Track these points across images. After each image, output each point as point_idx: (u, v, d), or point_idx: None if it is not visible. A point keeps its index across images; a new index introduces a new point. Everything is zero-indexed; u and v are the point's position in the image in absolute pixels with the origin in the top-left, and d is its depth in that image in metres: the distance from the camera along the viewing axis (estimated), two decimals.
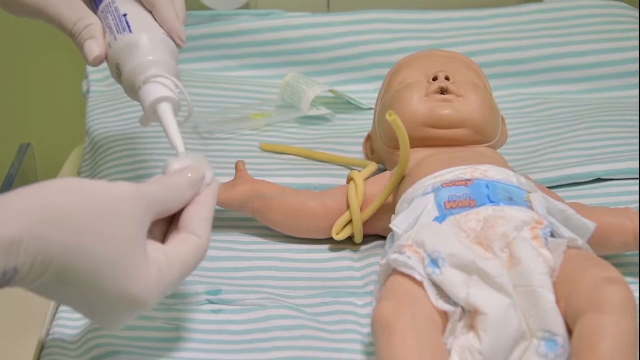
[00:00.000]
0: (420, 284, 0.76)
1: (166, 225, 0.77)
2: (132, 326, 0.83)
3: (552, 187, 1.01)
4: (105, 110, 1.21)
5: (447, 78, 0.98)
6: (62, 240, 0.63)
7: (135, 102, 1.19)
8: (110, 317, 0.70)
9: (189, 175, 0.75)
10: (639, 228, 0.88)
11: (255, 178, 0.98)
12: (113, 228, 0.66)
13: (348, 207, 0.94)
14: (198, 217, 0.74)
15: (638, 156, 1.06)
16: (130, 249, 0.67)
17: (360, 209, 0.93)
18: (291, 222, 0.95)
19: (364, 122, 1.18)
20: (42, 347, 0.84)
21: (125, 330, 0.82)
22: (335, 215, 0.94)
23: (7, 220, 0.61)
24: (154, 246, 0.71)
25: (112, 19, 0.85)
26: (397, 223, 0.84)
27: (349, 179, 0.96)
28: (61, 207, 0.64)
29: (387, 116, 0.88)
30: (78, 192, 0.66)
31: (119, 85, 1.25)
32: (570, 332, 0.72)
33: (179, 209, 0.75)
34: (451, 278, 0.76)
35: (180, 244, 0.73)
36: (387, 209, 0.92)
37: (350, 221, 0.94)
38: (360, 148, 1.11)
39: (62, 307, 0.88)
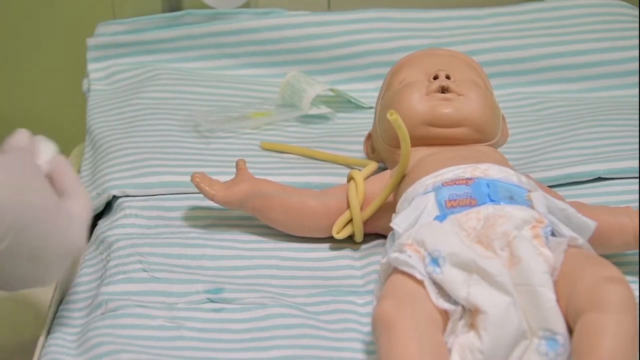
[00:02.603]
0: (421, 283, 0.76)
1: None
2: (132, 325, 0.83)
3: (552, 186, 1.01)
4: (106, 109, 1.21)
5: (447, 77, 0.98)
6: (17, 197, 0.72)
7: (136, 101, 1.20)
8: (52, 270, 0.78)
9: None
10: (639, 227, 0.88)
11: (255, 177, 0.98)
12: (41, 184, 0.77)
13: (348, 206, 0.94)
14: (69, 181, 0.82)
15: (638, 155, 1.06)
16: (54, 198, 0.77)
17: (361, 208, 0.93)
18: (292, 221, 0.95)
19: (365, 121, 1.18)
20: (42, 346, 0.84)
21: (126, 329, 0.83)
22: (336, 214, 0.94)
23: None
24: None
25: None
26: (398, 222, 0.84)
27: (350, 178, 0.96)
28: (2, 172, 0.73)
29: (388, 115, 0.88)
30: (2, 161, 0.75)
31: (119, 84, 1.27)
32: (570, 331, 0.72)
33: None
34: (452, 277, 0.76)
35: (73, 202, 0.80)
36: (388, 208, 0.92)
37: (350, 220, 0.94)
38: (360, 147, 1.11)
39: (63, 307, 0.88)
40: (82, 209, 0.80)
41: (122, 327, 0.83)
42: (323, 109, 1.20)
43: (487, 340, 0.73)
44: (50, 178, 0.80)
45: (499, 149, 1.00)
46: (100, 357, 0.79)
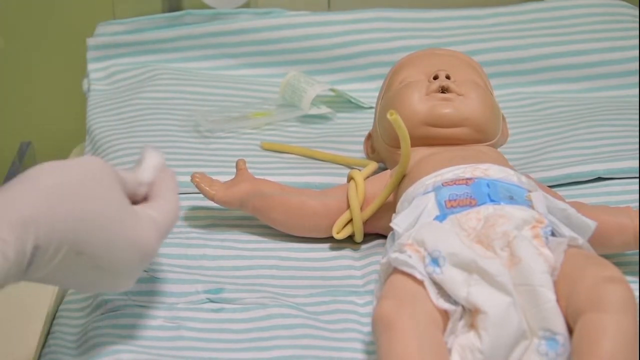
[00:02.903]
0: (421, 283, 0.76)
1: None
2: (132, 325, 0.83)
3: (552, 186, 1.01)
4: (106, 109, 1.21)
5: (448, 77, 0.98)
6: (68, 211, 0.69)
7: (136, 101, 1.20)
8: (122, 276, 0.76)
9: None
10: (639, 227, 0.88)
11: (255, 177, 0.98)
12: (105, 190, 0.73)
13: (348, 206, 0.94)
14: (165, 188, 0.81)
15: (638, 155, 1.06)
16: (124, 205, 0.75)
17: (361, 208, 0.93)
18: (292, 221, 0.95)
19: (365, 121, 1.19)
20: (42, 347, 0.84)
21: (126, 329, 0.83)
22: (336, 214, 0.94)
23: (16, 205, 0.67)
24: (137, 206, 0.78)
25: None
26: (398, 222, 0.84)
27: (350, 178, 0.96)
28: (56, 184, 0.70)
29: (388, 115, 0.88)
30: (62, 169, 0.72)
31: (119, 84, 1.27)
32: (571, 331, 0.72)
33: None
34: (452, 277, 0.76)
35: (157, 205, 0.79)
36: (388, 208, 0.92)
37: (350, 220, 0.94)
38: (360, 147, 1.11)
39: (63, 307, 0.88)
40: (164, 213, 0.78)
41: (122, 327, 0.83)
42: (323, 109, 1.20)
43: (487, 340, 0.73)
44: (151, 186, 0.80)
45: (499, 149, 1.00)
46: (100, 357, 0.79)
